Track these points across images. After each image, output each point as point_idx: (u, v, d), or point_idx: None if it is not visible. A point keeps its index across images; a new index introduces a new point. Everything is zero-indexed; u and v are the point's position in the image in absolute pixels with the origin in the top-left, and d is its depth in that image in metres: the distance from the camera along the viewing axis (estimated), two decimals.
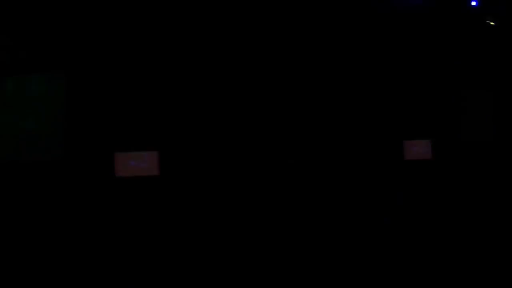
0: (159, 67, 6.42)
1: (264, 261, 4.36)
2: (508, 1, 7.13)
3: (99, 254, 4.72)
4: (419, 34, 7.36)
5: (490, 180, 7.03)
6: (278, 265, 4.23)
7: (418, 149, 7.38)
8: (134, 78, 6.33)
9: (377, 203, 6.30)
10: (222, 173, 6.46)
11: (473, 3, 6.95)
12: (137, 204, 5.95)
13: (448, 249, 4.51)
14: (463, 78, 7.66)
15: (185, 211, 5.95)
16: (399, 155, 7.29)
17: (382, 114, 7.30)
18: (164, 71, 6.45)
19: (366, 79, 7.23)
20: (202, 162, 6.43)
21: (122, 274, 4.18)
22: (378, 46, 7.24)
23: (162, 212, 5.92)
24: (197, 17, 6.49)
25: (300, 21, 6.86)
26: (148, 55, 6.37)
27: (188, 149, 6.41)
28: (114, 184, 6.03)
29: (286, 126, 6.86)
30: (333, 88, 7.10)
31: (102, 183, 6.02)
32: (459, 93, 7.67)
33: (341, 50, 7.12)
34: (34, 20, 6.10)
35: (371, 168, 7.05)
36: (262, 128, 6.75)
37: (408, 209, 6.07)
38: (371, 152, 7.16)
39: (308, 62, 7.00)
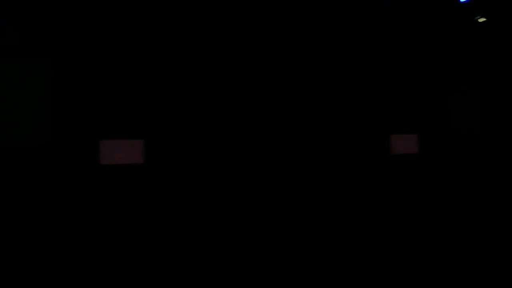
0: (146, 56, 6.39)
1: (248, 247, 4.41)
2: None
3: (82, 240, 4.76)
4: (407, 32, 7.36)
5: (476, 172, 7.12)
6: (264, 254, 4.28)
7: (404, 143, 7.44)
8: (120, 66, 6.30)
9: (363, 196, 6.37)
10: (206, 162, 6.48)
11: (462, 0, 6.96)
12: (121, 191, 5.98)
13: (435, 242, 4.58)
14: (450, 75, 7.70)
15: (168, 199, 5.99)
16: (386, 150, 7.37)
17: (369, 110, 7.33)
18: (151, 61, 6.42)
19: (353, 75, 7.24)
20: (187, 151, 6.45)
21: (105, 259, 4.21)
22: (366, 44, 7.24)
23: (146, 199, 5.96)
24: (184, 8, 6.43)
25: (289, 19, 6.82)
26: (134, 44, 6.33)
27: (173, 138, 6.42)
28: (98, 171, 6.04)
29: (273, 121, 6.87)
30: (322, 84, 7.11)
31: (87, 170, 6.03)
32: (446, 90, 7.72)
33: (330, 48, 7.11)
34: (21, 6, 6.02)
35: (358, 162, 7.11)
36: (248, 119, 6.75)
37: (395, 202, 6.14)
38: (358, 146, 7.21)
39: (294, 56, 6.98)
